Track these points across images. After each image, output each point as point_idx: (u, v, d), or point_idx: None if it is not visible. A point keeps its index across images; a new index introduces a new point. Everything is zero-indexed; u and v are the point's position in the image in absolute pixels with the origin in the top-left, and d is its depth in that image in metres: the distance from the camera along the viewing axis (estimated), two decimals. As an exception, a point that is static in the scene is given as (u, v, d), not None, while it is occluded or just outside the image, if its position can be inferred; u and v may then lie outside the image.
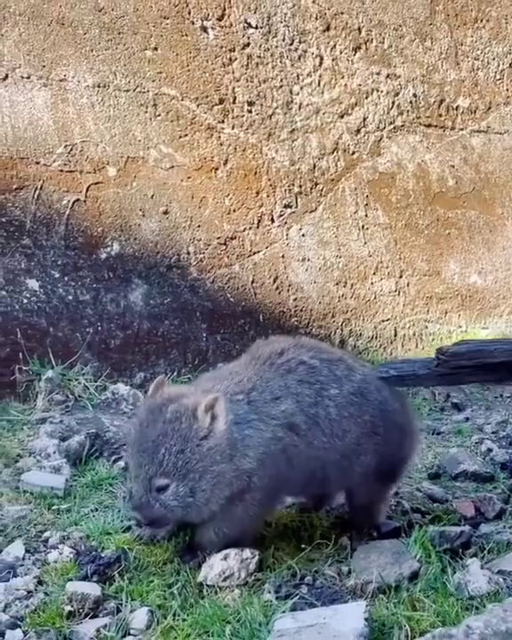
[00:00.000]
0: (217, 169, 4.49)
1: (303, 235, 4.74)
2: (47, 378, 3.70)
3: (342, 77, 4.98)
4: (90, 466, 3.07)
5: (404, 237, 5.11)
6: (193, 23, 4.47)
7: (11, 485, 2.88)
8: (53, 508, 2.73)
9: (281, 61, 4.77)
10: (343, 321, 4.84)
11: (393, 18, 5.17)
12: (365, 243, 4.96)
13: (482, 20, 5.55)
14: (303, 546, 2.43)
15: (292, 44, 4.81)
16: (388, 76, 5.14)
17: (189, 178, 4.40)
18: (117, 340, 4.12)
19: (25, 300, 3.91)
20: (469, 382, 3.28)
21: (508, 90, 5.57)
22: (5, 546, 2.47)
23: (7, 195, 3.91)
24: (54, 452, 3.11)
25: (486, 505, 2.75)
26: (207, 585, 2.25)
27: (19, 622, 2.09)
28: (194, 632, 2.04)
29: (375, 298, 4.97)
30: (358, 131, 5.01)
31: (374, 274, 4.98)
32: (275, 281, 4.62)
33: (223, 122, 4.53)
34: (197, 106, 4.45)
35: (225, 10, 4.57)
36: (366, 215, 4.98)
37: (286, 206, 4.70)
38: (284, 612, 2.10)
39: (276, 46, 4.75)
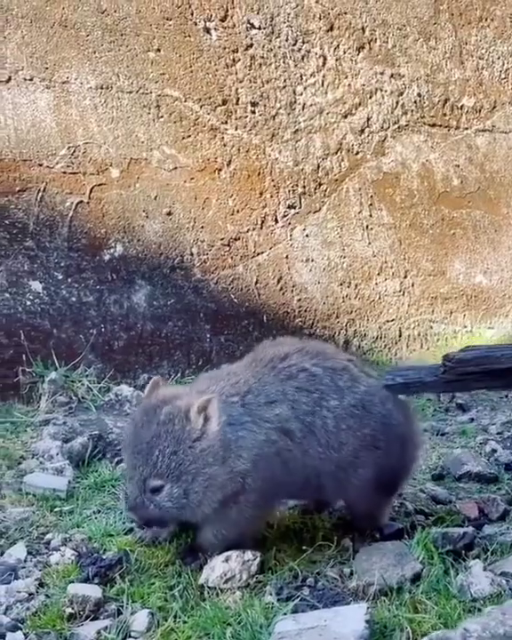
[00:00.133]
0: (220, 170, 4.49)
1: (307, 235, 4.73)
2: (50, 379, 3.71)
3: (346, 77, 4.97)
4: (92, 467, 3.07)
5: (409, 237, 5.09)
6: (196, 24, 4.47)
7: (13, 487, 2.89)
8: (56, 509, 2.73)
9: (284, 62, 4.76)
10: (347, 321, 4.83)
11: (397, 17, 5.16)
12: (370, 243, 4.94)
13: (486, 19, 5.53)
14: (305, 547, 2.42)
15: (295, 45, 4.80)
16: (392, 75, 5.13)
17: (193, 179, 4.40)
18: (121, 341, 4.12)
19: (28, 302, 3.92)
20: (476, 389, 3.26)
21: (512, 89, 5.55)
22: (7, 548, 2.47)
23: (10, 197, 3.92)
24: (57, 454, 3.11)
25: (490, 506, 2.72)
26: (208, 587, 2.24)
27: (19, 624, 2.09)
28: (194, 634, 2.03)
29: (380, 298, 4.95)
30: (362, 131, 5.00)
31: (379, 274, 4.96)
32: (279, 282, 4.62)
33: (226, 123, 4.53)
34: (200, 107, 4.45)
35: (228, 11, 4.57)
36: (370, 215, 4.97)
37: (290, 207, 4.69)
38: (285, 613, 2.08)
39: (279, 47, 4.75)
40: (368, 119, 5.02)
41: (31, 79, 4.03)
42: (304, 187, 4.75)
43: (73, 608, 2.12)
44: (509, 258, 5.40)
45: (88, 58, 4.16)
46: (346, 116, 4.94)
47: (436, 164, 5.24)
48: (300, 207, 4.73)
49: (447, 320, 5.18)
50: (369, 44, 5.06)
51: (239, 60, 4.60)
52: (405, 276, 5.05)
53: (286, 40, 4.77)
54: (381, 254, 4.98)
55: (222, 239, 4.45)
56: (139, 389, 3.80)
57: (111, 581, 2.26)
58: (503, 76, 5.51)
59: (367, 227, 4.94)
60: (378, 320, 4.93)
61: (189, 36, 4.45)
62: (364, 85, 5.01)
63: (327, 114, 4.87)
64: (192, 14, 4.46)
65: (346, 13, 4.96)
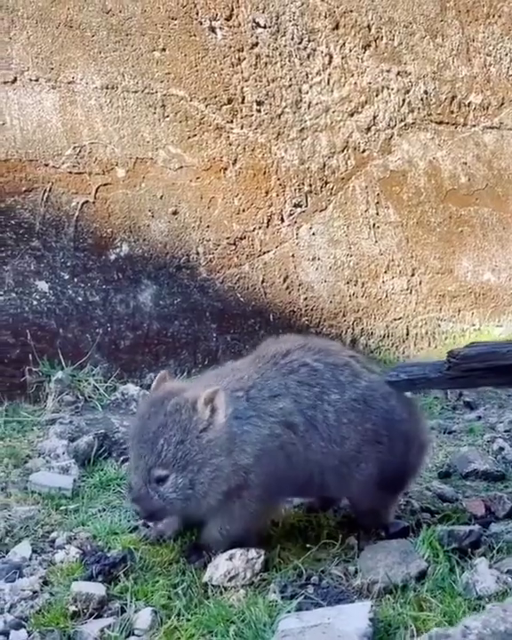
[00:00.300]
0: (226, 169, 4.48)
1: (313, 234, 4.72)
2: (57, 379, 3.71)
3: (352, 75, 4.95)
4: (98, 466, 3.07)
5: (416, 235, 5.07)
6: (201, 23, 4.47)
7: (19, 486, 2.89)
8: (61, 508, 2.73)
9: (290, 60, 4.75)
10: (354, 320, 4.81)
11: (403, 15, 5.14)
12: (376, 241, 4.93)
13: (494, 16, 5.50)
14: (309, 545, 2.41)
15: (300, 43, 4.79)
16: (398, 73, 5.11)
17: (198, 178, 4.40)
18: (127, 340, 4.12)
19: (35, 302, 3.93)
20: (481, 385, 3.23)
21: (520, 85, 5.52)
22: (12, 546, 2.48)
23: (16, 197, 3.93)
24: (63, 453, 3.11)
25: (497, 504, 2.70)
26: (212, 585, 2.24)
27: (23, 622, 2.09)
28: (197, 632, 2.02)
29: (387, 296, 4.93)
30: (368, 129, 4.98)
31: (386, 272, 4.95)
32: (285, 280, 4.61)
33: (232, 122, 4.53)
34: (206, 106, 4.45)
35: (233, 10, 4.56)
36: (377, 213, 4.95)
37: (296, 205, 4.68)
38: (289, 612, 2.07)
39: (285, 45, 4.74)
40: (374, 117, 5.01)
41: (37, 79, 4.04)
42: (310, 185, 4.74)
43: (76, 606, 2.12)
44: (518, 255, 5.37)
45: (93, 58, 4.17)
46: (352, 115, 4.93)
47: (443, 161, 5.22)
48: (307, 206, 4.72)
49: (455, 318, 5.15)
50: (375, 41, 5.05)
51: (245, 58, 4.60)
52: (413, 274, 5.03)
53: (292, 39, 4.76)
54: (388, 252, 4.96)
55: (228, 238, 4.45)
56: (145, 388, 3.80)
57: (115, 579, 2.26)
58: (511, 72, 5.48)
59: (374, 225, 4.92)
60: (385, 318, 4.91)
61: (195, 35, 4.45)
62: (370, 83, 4.99)
63: (333, 112, 4.86)
64: (197, 14, 4.46)
65: (351, 11, 4.95)
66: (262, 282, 4.54)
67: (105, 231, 4.13)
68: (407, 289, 5.00)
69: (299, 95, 4.76)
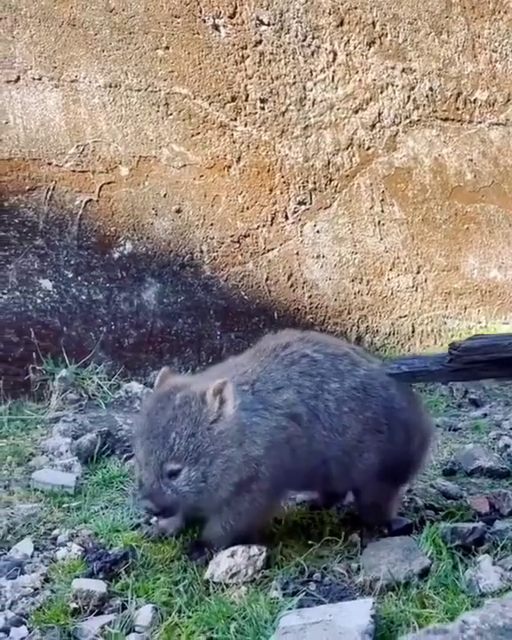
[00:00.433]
0: (230, 167, 4.47)
1: (318, 231, 4.70)
2: (61, 377, 3.71)
3: (356, 72, 4.94)
4: (101, 464, 3.07)
5: (422, 232, 5.05)
6: (204, 21, 4.47)
7: (22, 484, 2.89)
8: (63, 505, 2.73)
9: (294, 58, 4.74)
10: (359, 317, 4.79)
11: (408, 11, 5.12)
12: (381, 238, 4.91)
13: (499, 12, 5.48)
14: (311, 543, 2.39)
15: (304, 40, 4.78)
16: (403, 70, 5.09)
17: (202, 176, 4.39)
18: (131, 338, 4.12)
19: (39, 300, 3.93)
20: (483, 378, 3.22)
21: (526, 81, 5.49)
22: (14, 543, 2.47)
23: (20, 196, 3.94)
24: (66, 451, 3.11)
25: (501, 501, 2.68)
26: (214, 582, 2.23)
27: (24, 619, 2.08)
28: (198, 629, 2.01)
29: (392, 294, 4.91)
30: (373, 126, 4.96)
31: (391, 270, 4.92)
32: (289, 278, 4.59)
33: (236, 119, 4.52)
34: (209, 104, 4.44)
35: (236, 7, 4.55)
36: (382, 211, 4.93)
37: (300, 203, 4.67)
38: (290, 609, 2.06)
39: (289, 43, 4.73)
40: (379, 114, 4.99)
41: (40, 78, 4.04)
42: (314, 183, 4.72)
43: (77, 603, 2.11)
44: (524, 252, 5.34)
45: (96, 56, 4.17)
46: (356, 112, 4.91)
47: (448, 158, 5.20)
48: (311, 203, 4.70)
49: (461, 316, 5.12)
50: (380, 38, 5.03)
51: (248, 56, 4.59)
52: (418, 272, 5.01)
53: (296, 36, 4.75)
54: (394, 250, 4.94)
55: (232, 236, 4.44)
56: (149, 386, 3.80)
57: (116, 576, 2.25)
58: (516, 68, 5.46)
59: (379, 222, 4.90)
60: (390, 316, 4.89)
61: (198, 33, 4.44)
62: (374, 80, 4.97)
63: (338, 109, 4.84)
64: (201, 11, 4.45)
65: (356, 8, 4.93)
66: (266, 280, 4.53)
67: (108, 229, 4.13)
68: (413, 286, 4.98)
69: (303, 92, 4.75)
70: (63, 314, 3.97)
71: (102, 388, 3.79)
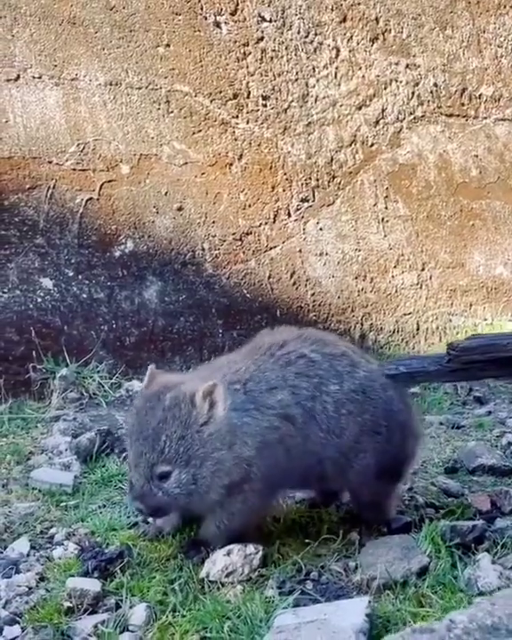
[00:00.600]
0: (231, 164, 4.45)
1: (321, 229, 4.67)
2: (62, 376, 3.71)
3: (360, 69, 4.90)
4: (100, 462, 3.05)
5: (426, 229, 5.01)
6: (206, 19, 4.45)
7: (21, 483, 2.89)
8: (61, 504, 2.72)
9: (296, 54, 4.71)
10: (363, 315, 4.76)
11: (412, 7, 5.08)
12: (385, 235, 4.87)
13: (505, 7, 5.43)
14: (309, 541, 2.37)
15: (307, 37, 4.75)
16: (407, 66, 5.05)
17: (203, 174, 4.37)
18: (132, 337, 4.11)
19: (39, 299, 3.92)
20: (481, 378, 3.18)
21: (532, 76, 5.44)
22: (11, 542, 2.47)
23: (20, 194, 3.93)
24: (65, 450, 3.10)
25: (503, 499, 2.64)
26: (209, 581, 2.20)
27: (17, 618, 2.07)
28: (192, 628, 1.99)
29: (396, 291, 4.88)
30: (377, 122, 4.93)
31: (395, 267, 4.89)
32: (292, 276, 4.57)
33: (237, 117, 4.49)
34: (211, 101, 4.42)
35: (238, 4, 4.53)
36: (386, 207, 4.90)
37: (303, 200, 4.64)
38: (285, 607, 2.04)
39: (291, 39, 4.70)
40: (383, 110, 4.95)
41: (40, 77, 4.03)
42: (317, 180, 4.69)
43: (71, 602, 2.10)
44: (531, 249, 5.29)
45: (97, 54, 4.16)
46: (360, 108, 4.88)
47: (453, 154, 5.15)
48: (314, 200, 4.67)
49: (467, 313, 5.08)
50: (383, 34, 4.99)
51: (250, 53, 4.56)
52: (423, 269, 4.97)
53: (298, 32, 4.72)
54: (398, 247, 4.91)
55: (234, 234, 4.42)
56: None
57: (111, 575, 2.24)
58: (522, 63, 5.41)
59: (383, 219, 4.87)
60: (395, 314, 4.85)
61: (199, 30, 4.43)
62: (378, 76, 4.94)
63: (340, 106, 4.81)
64: (202, 9, 4.43)
65: (359, 4, 4.90)
66: (269, 277, 4.50)
67: (109, 228, 4.12)
68: (417, 284, 4.94)
69: (305, 89, 4.72)
70: (64, 312, 3.96)
71: (103, 386, 3.78)
